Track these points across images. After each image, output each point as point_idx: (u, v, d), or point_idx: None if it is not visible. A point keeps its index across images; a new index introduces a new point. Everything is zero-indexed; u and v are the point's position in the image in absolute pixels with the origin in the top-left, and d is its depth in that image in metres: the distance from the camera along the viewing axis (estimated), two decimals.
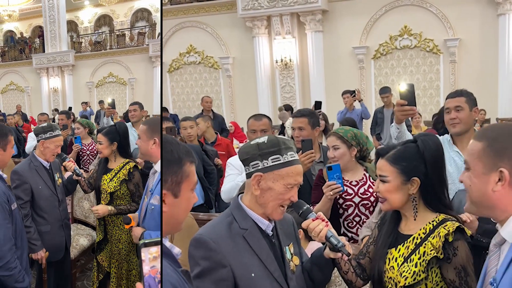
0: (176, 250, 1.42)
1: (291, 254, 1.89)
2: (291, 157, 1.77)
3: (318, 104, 4.42)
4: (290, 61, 11.12)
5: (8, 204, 2.88)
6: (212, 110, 7.97)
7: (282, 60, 11.14)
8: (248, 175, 1.80)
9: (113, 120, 6.26)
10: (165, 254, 1.35)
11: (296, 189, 1.80)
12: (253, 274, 1.75)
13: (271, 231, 1.85)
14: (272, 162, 1.75)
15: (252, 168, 1.78)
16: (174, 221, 1.44)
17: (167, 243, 1.41)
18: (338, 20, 10.96)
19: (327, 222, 1.83)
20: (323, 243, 1.91)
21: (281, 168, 1.75)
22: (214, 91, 12.42)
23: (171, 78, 12.87)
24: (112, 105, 6.10)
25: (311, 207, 2.19)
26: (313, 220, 1.83)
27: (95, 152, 5.69)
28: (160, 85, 15.78)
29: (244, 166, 1.82)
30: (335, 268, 2.01)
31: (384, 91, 7.01)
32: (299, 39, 11.13)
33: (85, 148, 5.71)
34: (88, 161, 5.68)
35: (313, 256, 1.97)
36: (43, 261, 3.49)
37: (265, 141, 1.78)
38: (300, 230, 2.37)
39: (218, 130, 7.58)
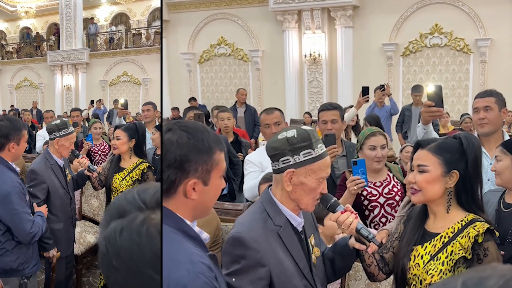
0: (204, 235, 1.45)
1: (312, 246, 1.88)
2: (321, 150, 1.73)
3: (366, 90, 4.30)
4: (319, 56, 11.13)
5: (24, 194, 3.05)
6: (245, 102, 8.11)
7: (311, 55, 11.16)
8: (278, 171, 1.75)
9: (125, 121, 6.22)
10: (194, 238, 1.39)
11: (325, 181, 1.78)
12: (287, 272, 1.74)
13: (301, 227, 1.83)
14: (304, 157, 1.70)
15: (283, 164, 1.72)
16: (203, 207, 1.46)
17: (196, 228, 1.43)
18: (369, 16, 10.92)
19: (356, 214, 1.80)
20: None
21: (313, 162, 1.70)
22: (243, 83, 12.48)
23: (201, 69, 12.99)
24: (125, 106, 6.05)
25: None
26: (342, 213, 1.79)
27: (106, 152, 5.75)
28: (160, 85, 15.66)
29: (273, 162, 1.76)
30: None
31: (417, 90, 7.00)
32: (328, 34, 11.13)
33: (96, 148, 5.71)
34: (100, 161, 5.67)
35: (337, 245, 1.97)
36: (54, 260, 3.48)
37: (295, 135, 1.71)
38: (320, 225, 2.40)
39: (250, 122, 7.74)
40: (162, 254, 0.94)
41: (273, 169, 1.78)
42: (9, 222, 2.97)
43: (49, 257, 3.45)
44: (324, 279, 1.93)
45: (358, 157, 2.96)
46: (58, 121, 3.65)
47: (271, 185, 1.84)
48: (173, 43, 13.01)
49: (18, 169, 3.17)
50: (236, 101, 8.13)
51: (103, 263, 0.99)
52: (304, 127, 1.78)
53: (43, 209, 3.29)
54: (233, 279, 1.67)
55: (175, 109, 12.05)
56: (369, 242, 1.78)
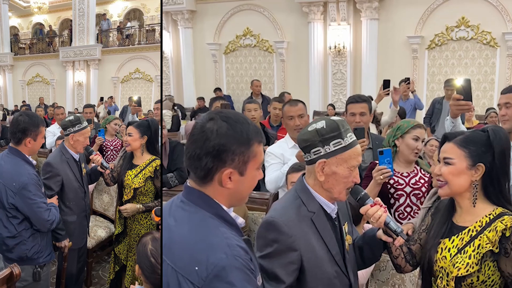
0: (240, 220, 1.50)
1: (345, 233, 1.92)
2: (351, 139, 1.77)
3: (387, 83, 4.23)
4: (344, 48, 11.12)
5: (40, 186, 3.18)
6: (261, 93, 8.14)
7: (335, 47, 11.15)
8: (310, 162, 1.81)
9: (137, 117, 6.13)
10: (230, 223, 1.45)
11: (357, 170, 1.81)
12: (318, 257, 1.78)
13: (335, 214, 1.88)
14: (334, 147, 1.75)
15: (314, 155, 1.78)
16: (238, 196, 1.50)
17: (231, 213, 1.48)
18: (395, 8, 10.84)
19: (385, 207, 1.84)
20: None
21: (344, 151, 1.75)
22: (267, 74, 12.55)
23: (226, 60, 13.07)
24: (138, 103, 6.04)
25: None
26: (371, 206, 1.83)
27: (118, 148, 5.77)
28: (160, 84, 15.43)
29: (305, 153, 1.83)
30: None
31: (449, 84, 7.00)
32: (354, 26, 11.10)
33: (108, 144, 5.76)
34: (112, 156, 5.73)
35: (366, 235, 2.01)
36: (66, 250, 3.55)
37: (324, 126, 1.77)
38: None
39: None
40: (162, 242, 1.00)
41: (305, 161, 1.84)
42: (28, 212, 3.09)
43: (61, 247, 3.52)
44: (355, 266, 1.97)
45: (394, 144, 2.98)
46: (71, 117, 3.70)
47: (304, 174, 1.90)
48: (199, 34, 13.07)
49: (34, 162, 3.29)
50: (252, 93, 8.21)
51: None
52: (333, 117, 1.82)
53: (54, 200, 3.40)
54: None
55: (201, 99, 12.20)
56: (397, 236, 1.81)
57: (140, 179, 3.64)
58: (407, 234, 2.42)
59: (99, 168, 3.85)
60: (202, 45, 13.10)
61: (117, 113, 11.91)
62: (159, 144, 3.96)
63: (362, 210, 1.85)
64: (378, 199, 1.86)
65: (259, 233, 1.80)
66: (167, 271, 1.36)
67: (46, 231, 3.26)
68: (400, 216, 2.93)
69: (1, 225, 3.13)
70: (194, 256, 1.33)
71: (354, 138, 1.80)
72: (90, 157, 3.83)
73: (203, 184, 1.45)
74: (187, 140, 1.46)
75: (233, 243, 1.37)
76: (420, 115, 8.29)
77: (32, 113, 3.40)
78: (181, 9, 12.78)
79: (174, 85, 13.52)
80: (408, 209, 2.93)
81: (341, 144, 1.75)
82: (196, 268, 1.31)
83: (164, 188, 4.12)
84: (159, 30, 16.00)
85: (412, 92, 7.62)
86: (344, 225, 1.92)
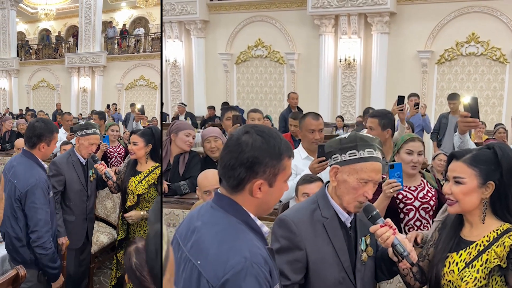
0: (265, 229, 1.55)
1: (366, 245, 1.98)
2: (368, 154, 1.87)
3: (401, 99, 4.25)
4: (354, 60, 11.22)
5: (47, 191, 3.25)
6: (297, 106, 8.03)
7: (345, 60, 11.24)
8: (330, 167, 1.95)
9: (141, 125, 6.27)
10: (256, 231, 1.52)
11: (371, 185, 1.88)
12: (324, 260, 1.86)
13: (350, 223, 1.95)
14: (349, 156, 1.87)
15: (333, 160, 1.93)
16: (265, 206, 1.57)
17: (258, 221, 1.54)
18: (405, 23, 10.94)
19: (394, 229, 1.86)
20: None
21: (356, 162, 1.86)
22: (277, 85, 12.64)
23: (237, 70, 13.17)
24: (141, 111, 6.09)
25: None
26: (381, 226, 1.86)
27: (122, 154, 5.88)
28: (160, 89, 15.54)
29: (328, 159, 1.99)
30: None
31: (452, 98, 7.08)
32: (364, 40, 11.20)
33: (112, 150, 5.85)
34: (116, 163, 5.82)
35: (383, 249, 2.03)
36: (63, 248, 3.62)
37: (346, 137, 1.92)
38: None
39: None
40: (161, 239, 1.13)
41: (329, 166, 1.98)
42: (27, 213, 3.16)
43: (59, 244, 3.59)
44: (370, 277, 2.03)
45: (394, 160, 3.04)
46: (84, 122, 3.89)
47: (328, 182, 2.03)
48: (211, 43, 13.21)
49: (46, 165, 3.38)
50: (289, 105, 8.12)
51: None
52: (365, 134, 1.96)
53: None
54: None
55: (211, 108, 12.32)
56: (403, 259, 1.84)
57: (144, 186, 3.70)
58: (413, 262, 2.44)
59: (104, 177, 3.92)
60: (214, 55, 13.21)
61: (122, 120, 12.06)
62: (162, 151, 4.08)
63: (372, 229, 1.90)
64: (389, 220, 1.90)
65: (272, 228, 1.92)
66: (192, 270, 1.44)
67: (27, 242, 3.24)
68: (410, 230, 2.95)
69: (9, 225, 3.22)
70: (217, 256, 1.41)
71: (374, 155, 1.89)
72: (95, 166, 3.91)
73: (234, 193, 1.53)
74: (222, 150, 1.56)
75: (255, 251, 1.43)
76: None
77: (47, 120, 3.53)
78: (194, 18, 12.93)
79: (185, 94, 13.63)
80: (418, 223, 2.97)
81: (355, 155, 1.87)
82: (216, 267, 1.38)
83: (176, 196, 4.23)
84: (164, 37, 16.13)
85: (422, 116, 7.64)
86: (365, 236, 1.99)
